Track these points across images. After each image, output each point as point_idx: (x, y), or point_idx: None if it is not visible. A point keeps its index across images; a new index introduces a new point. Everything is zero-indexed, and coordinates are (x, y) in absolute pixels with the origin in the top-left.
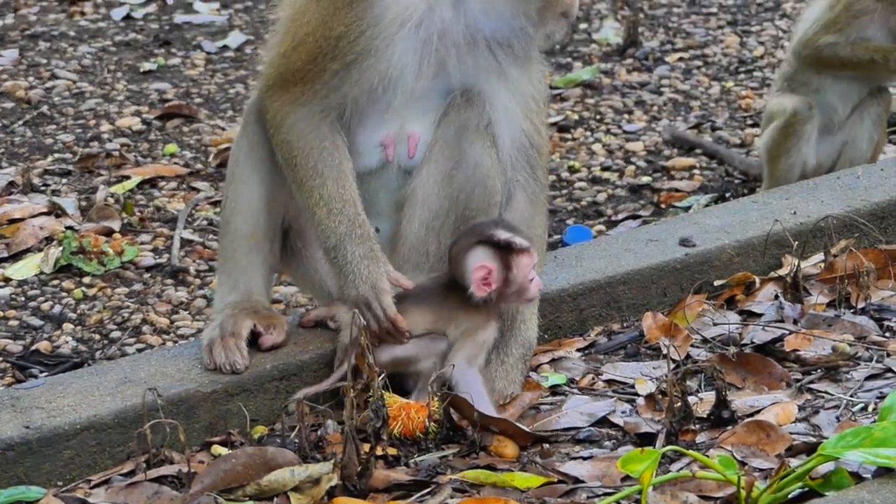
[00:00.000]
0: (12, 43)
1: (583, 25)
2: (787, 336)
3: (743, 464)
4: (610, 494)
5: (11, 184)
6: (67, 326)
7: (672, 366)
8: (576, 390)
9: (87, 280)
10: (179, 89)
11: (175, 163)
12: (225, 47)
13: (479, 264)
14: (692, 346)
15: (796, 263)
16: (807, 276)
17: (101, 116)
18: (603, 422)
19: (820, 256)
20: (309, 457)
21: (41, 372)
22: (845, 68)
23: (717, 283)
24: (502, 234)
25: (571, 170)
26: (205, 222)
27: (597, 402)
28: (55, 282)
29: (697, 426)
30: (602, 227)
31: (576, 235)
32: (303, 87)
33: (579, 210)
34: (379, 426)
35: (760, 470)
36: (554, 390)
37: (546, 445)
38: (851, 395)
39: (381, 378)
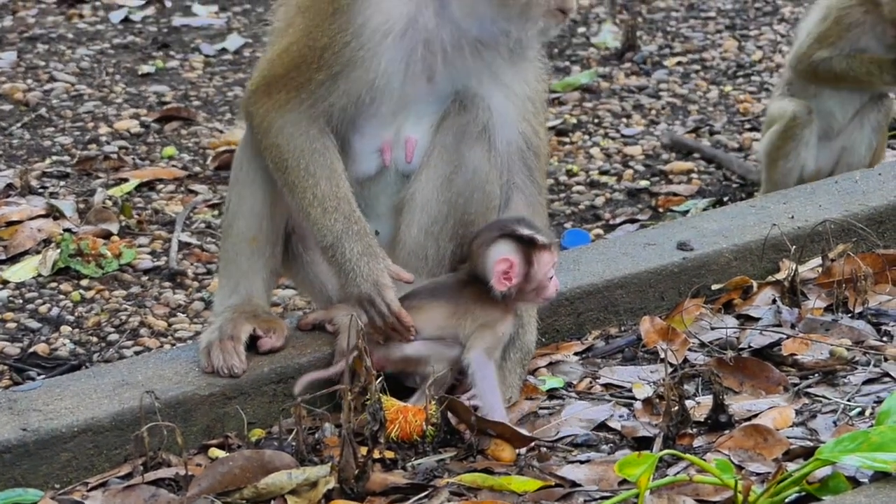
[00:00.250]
0: (11, 45)
1: (581, 29)
2: (784, 340)
3: (740, 468)
4: (607, 498)
5: (9, 186)
6: (65, 329)
7: (669, 370)
8: (573, 394)
9: (84, 283)
10: (178, 92)
11: (173, 166)
12: (223, 50)
13: (502, 257)
14: (690, 349)
15: (794, 268)
16: (804, 280)
17: (99, 119)
18: (600, 426)
19: (818, 261)
20: (306, 460)
21: (39, 374)
22: (842, 81)
23: (714, 287)
24: (525, 230)
25: (569, 173)
26: (203, 225)
27: (595, 408)
28: (53, 284)
29: (695, 430)
30: (600, 231)
31: (574, 239)
32: (287, 94)
33: (577, 214)
34: (376, 429)
35: (757, 474)
36: (551, 394)
37: (543, 449)
38: (849, 400)
39: (378, 381)
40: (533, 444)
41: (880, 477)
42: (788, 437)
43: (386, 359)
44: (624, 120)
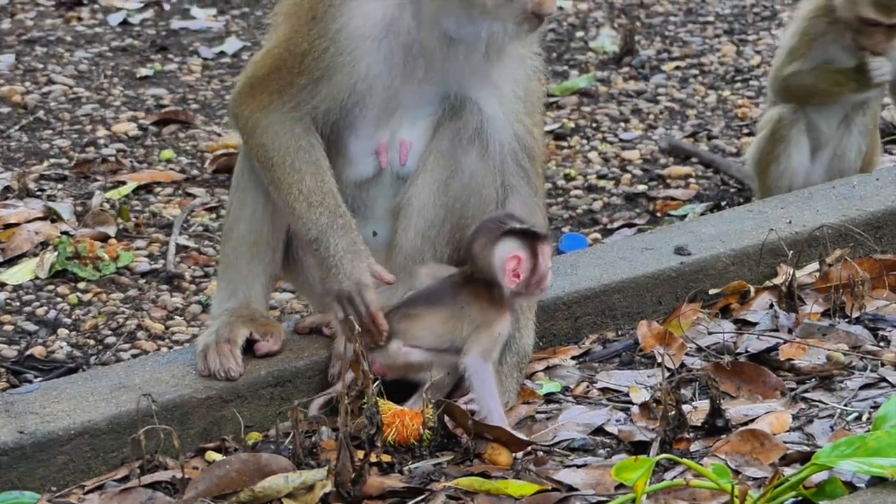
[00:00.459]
0: (9, 48)
1: (579, 33)
2: (781, 345)
3: (737, 472)
4: (604, 503)
5: (7, 188)
6: (62, 332)
7: (667, 374)
8: (570, 398)
9: (82, 285)
10: (176, 95)
11: (171, 169)
12: (222, 53)
13: (512, 255)
14: (687, 354)
15: (791, 272)
16: (801, 285)
17: (97, 122)
18: (597, 430)
19: (815, 266)
20: (303, 463)
21: (36, 377)
22: (813, 96)
23: (711, 291)
24: (520, 224)
25: (567, 178)
26: (200, 228)
27: (592, 412)
28: (50, 287)
29: (691, 435)
30: (597, 236)
31: (571, 243)
32: (270, 96)
33: (575, 218)
34: (373, 433)
35: (754, 479)
36: (548, 398)
37: (540, 453)
38: (845, 405)
39: (375, 385)
40: (530, 448)
41: (877, 482)
42: (785, 442)
43: (389, 366)
44: (622, 124)
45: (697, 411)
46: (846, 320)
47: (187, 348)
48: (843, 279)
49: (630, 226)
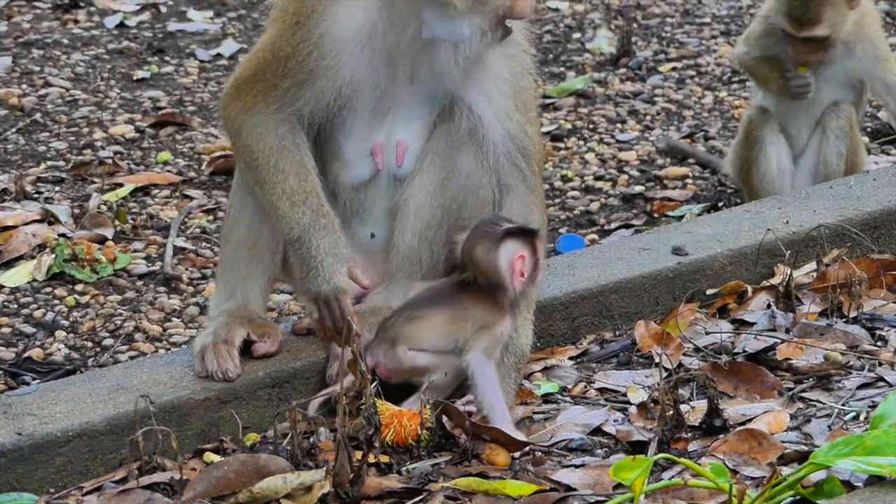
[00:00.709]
0: (5, 50)
1: (576, 35)
2: (779, 345)
3: (735, 472)
4: (602, 502)
5: (4, 191)
6: (60, 334)
7: (664, 374)
8: (568, 399)
9: (79, 287)
10: (173, 97)
11: (168, 171)
12: (218, 55)
13: (517, 255)
14: (684, 354)
15: (788, 272)
16: (799, 285)
17: (94, 124)
18: (595, 430)
19: (812, 265)
20: (301, 464)
21: (33, 379)
22: (757, 81)
23: (709, 291)
24: (514, 224)
25: (564, 179)
26: (198, 230)
27: (590, 412)
28: (48, 289)
29: (689, 434)
30: (595, 236)
31: (568, 244)
32: (254, 97)
33: (572, 219)
34: (371, 434)
35: (752, 478)
36: (546, 399)
37: (538, 453)
38: (843, 404)
39: (373, 385)
40: (528, 448)
41: (875, 481)
42: (783, 442)
43: (394, 370)
44: (619, 125)
45: (695, 411)
46: (843, 320)
47: (185, 350)
48: (840, 279)
49: (627, 226)
